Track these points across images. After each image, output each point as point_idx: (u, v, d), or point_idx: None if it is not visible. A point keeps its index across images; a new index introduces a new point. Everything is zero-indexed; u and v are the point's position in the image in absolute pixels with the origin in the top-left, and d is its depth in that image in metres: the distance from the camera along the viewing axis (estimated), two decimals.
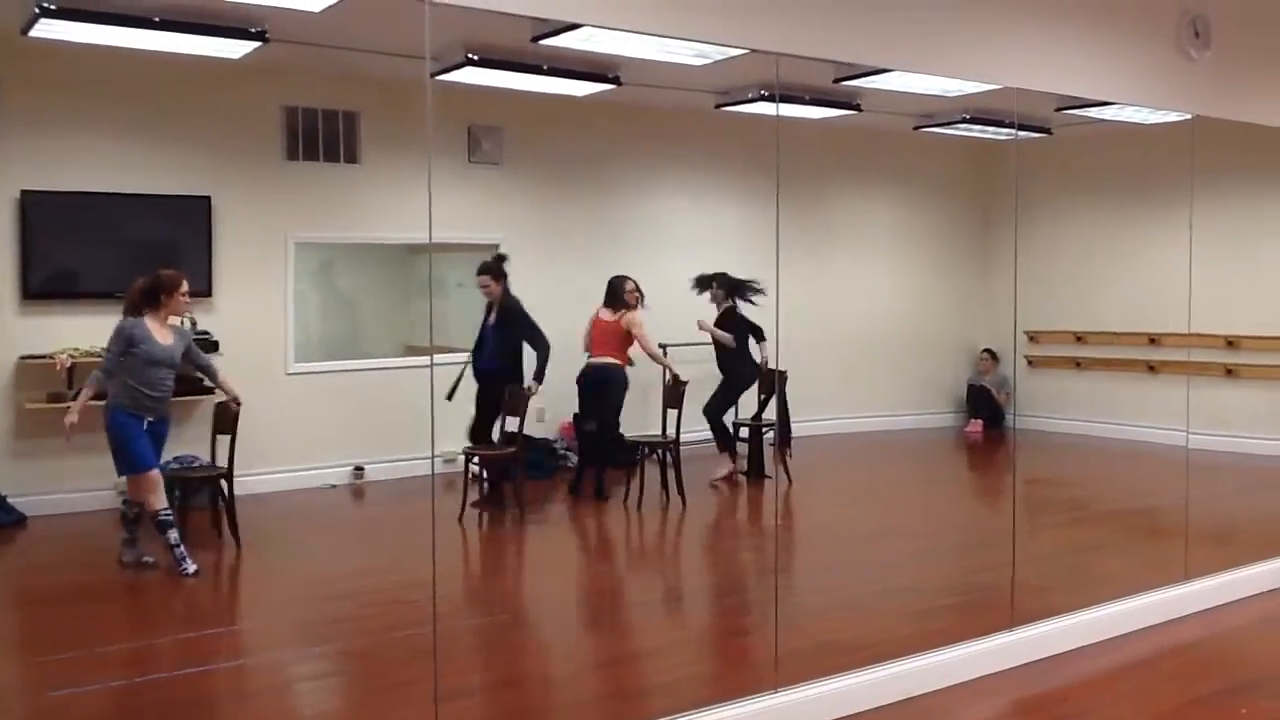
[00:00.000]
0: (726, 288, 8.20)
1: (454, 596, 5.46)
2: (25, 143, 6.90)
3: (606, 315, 7.79)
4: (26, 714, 4.11)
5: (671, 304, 9.13)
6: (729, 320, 8.19)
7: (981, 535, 7.00)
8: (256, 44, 6.13)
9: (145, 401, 5.63)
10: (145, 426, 5.65)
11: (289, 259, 7.87)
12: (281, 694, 4.38)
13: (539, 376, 7.30)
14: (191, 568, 5.61)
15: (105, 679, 4.30)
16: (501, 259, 7.62)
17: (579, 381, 7.75)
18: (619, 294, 7.79)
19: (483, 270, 7.56)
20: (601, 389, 7.64)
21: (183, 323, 5.88)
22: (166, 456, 6.11)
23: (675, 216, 9.53)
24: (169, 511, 5.68)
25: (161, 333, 5.65)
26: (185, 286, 5.73)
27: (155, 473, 5.69)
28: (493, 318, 7.53)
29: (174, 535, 5.65)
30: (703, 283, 8.32)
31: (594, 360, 7.71)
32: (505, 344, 7.43)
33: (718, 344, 8.24)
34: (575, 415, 7.92)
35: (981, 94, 6.61)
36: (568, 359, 7.83)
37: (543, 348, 7.35)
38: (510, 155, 8.65)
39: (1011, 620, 4.63)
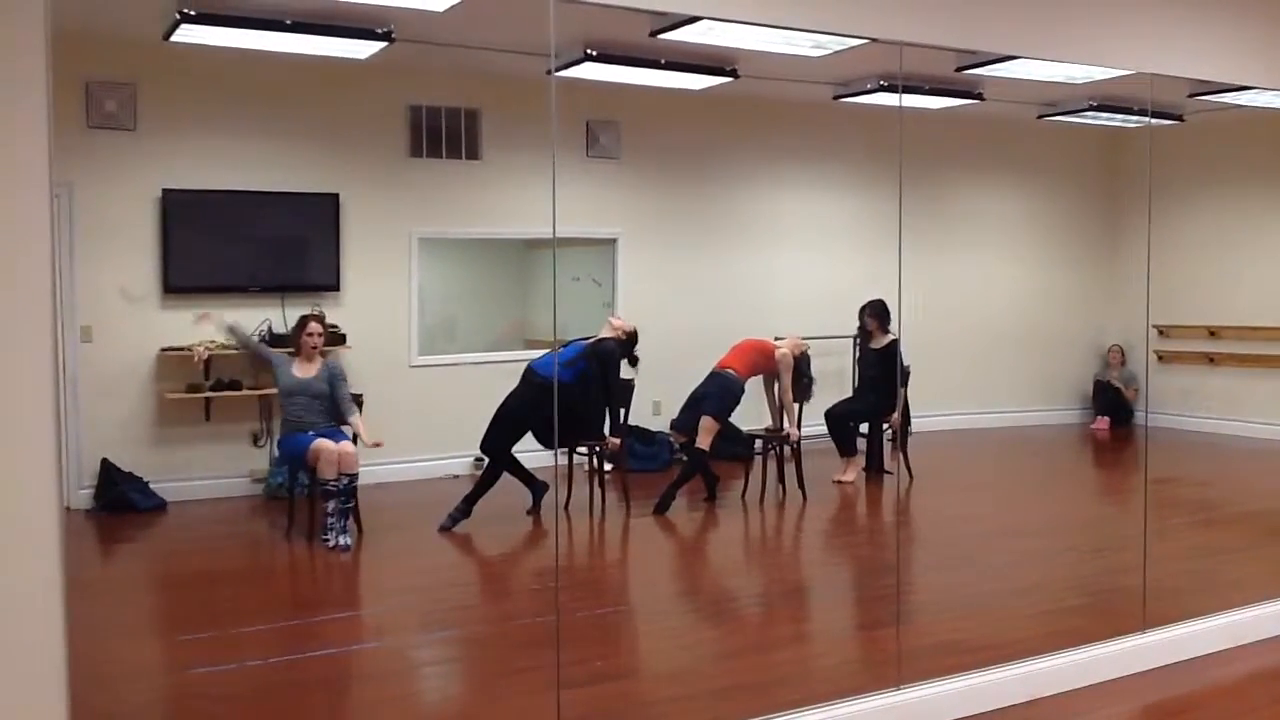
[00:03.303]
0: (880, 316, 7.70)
1: (570, 587, 5.53)
2: (164, 144, 7.20)
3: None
4: (170, 689, 4.32)
5: (787, 297, 9.11)
6: (889, 354, 7.51)
7: (1108, 535, 6.82)
8: (382, 44, 6.29)
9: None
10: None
11: (412, 254, 8.04)
12: (405, 677, 4.49)
13: (615, 431, 6.88)
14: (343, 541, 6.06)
15: (241, 658, 4.47)
16: None
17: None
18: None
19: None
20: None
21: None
22: None
23: (792, 209, 9.47)
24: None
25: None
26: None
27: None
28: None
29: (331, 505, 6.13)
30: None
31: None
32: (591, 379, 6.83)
33: (866, 355, 7.91)
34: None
35: (1109, 80, 6.40)
36: (683, 354, 7.86)
37: (618, 401, 6.95)
38: (627, 150, 8.70)
39: (1143, 622, 4.50)
